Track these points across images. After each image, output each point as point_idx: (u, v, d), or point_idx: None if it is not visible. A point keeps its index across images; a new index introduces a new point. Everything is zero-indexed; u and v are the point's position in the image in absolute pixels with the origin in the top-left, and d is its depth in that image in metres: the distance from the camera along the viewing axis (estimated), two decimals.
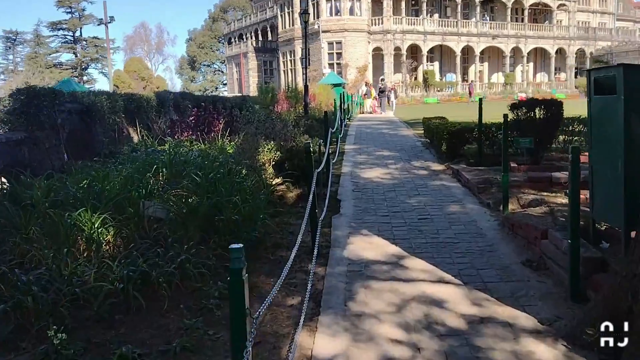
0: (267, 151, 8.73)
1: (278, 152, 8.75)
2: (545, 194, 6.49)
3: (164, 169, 7.16)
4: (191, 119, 12.98)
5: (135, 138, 12.51)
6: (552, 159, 8.22)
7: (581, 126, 8.67)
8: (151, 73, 44.69)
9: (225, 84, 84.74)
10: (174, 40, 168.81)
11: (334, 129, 11.57)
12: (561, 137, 8.87)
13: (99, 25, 55.51)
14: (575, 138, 8.81)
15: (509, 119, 7.42)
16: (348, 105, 24.07)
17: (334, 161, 9.97)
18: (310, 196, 4.73)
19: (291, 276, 4.62)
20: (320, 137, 11.50)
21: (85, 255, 4.77)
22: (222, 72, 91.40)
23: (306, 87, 19.52)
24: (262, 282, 4.59)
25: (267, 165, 8.72)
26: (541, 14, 59.01)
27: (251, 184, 7.11)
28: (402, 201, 7.06)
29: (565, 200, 6.10)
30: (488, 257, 4.85)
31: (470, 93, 45.28)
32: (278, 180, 8.43)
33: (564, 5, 57.93)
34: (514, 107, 7.87)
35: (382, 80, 33.89)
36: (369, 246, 5.30)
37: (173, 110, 15.20)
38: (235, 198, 5.93)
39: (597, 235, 4.39)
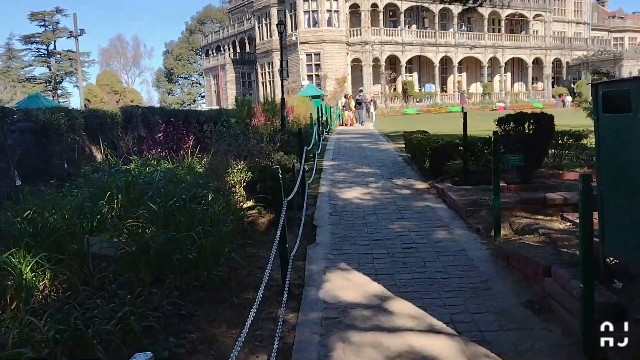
0: (237, 172, 8.06)
1: (249, 173, 8.08)
2: (539, 217, 5.94)
3: (120, 195, 6.43)
4: (159, 135, 12.25)
5: (99, 157, 11.74)
6: (542, 176, 7.71)
7: (572, 140, 8.20)
8: (124, 87, 43.63)
9: (203, 97, 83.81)
10: (151, 52, 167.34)
11: (311, 145, 10.96)
12: (550, 151, 8.38)
13: (69, 38, 54.29)
14: (566, 152, 8.33)
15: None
16: (327, 118, 23.54)
17: (310, 180, 9.34)
18: (278, 232, 4.08)
19: (257, 326, 3.95)
20: (296, 152, 10.89)
21: (13, 307, 4.05)
22: (200, 84, 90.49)
23: (283, 100, 18.90)
24: (222, 335, 3.90)
25: (237, 187, 8.06)
26: (518, 25, 59.61)
27: (218, 210, 6.43)
28: (384, 226, 6.44)
29: (562, 226, 5.55)
30: (483, 297, 4.24)
31: (461, 104, 45.20)
32: (249, 204, 7.76)
33: (539, 15, 58.65)
34: (501, 121, 7.36)
35: (361, 91, 33.47)
36: (347, 284, 4.66)
37: (142, 126, 14.44)
38: (198, 229, 5.26)
39: (608, 272, 3.82)
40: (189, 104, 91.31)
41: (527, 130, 7.00)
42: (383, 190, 8.59)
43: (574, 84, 59.75)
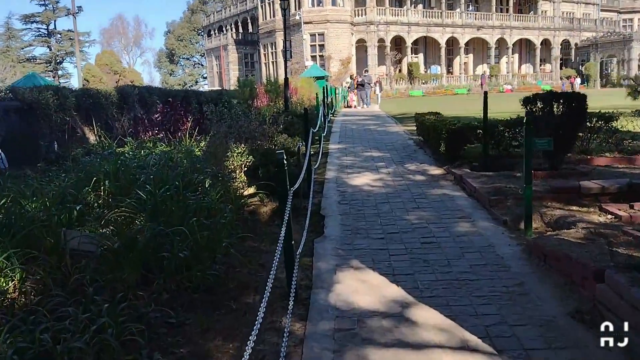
0: (237, 155, 7.43)
1: (250, 157, 7.46)
2: (574, 208, 5.33)
3: (107, 182, 5.83)
4: (156, 116, 11.62)
5: (92, 139, 11.13)
6: (569, 161, 7.07)
7: (601, 122, 7.53)
8: (124, 67, 42.83)
9: (205, 78, 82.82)
10: (152, 33, 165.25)
11: (317, 127, 10.31)
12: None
13: (66, 16, 53.26)
14: (595, 135, 7.66)
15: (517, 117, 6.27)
16: (332, 99, 22.81)
17: (316, 165, 8.73)
18: (283, 229, 3.47)
19: (258, 339, 3.36)
20: (301, 135, 10.25)
21: None
22: (202, 65, 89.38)
23: (286, 80, 18.17)
24: (217, 349, 3.33)
25: (238, 172, 7.44)
26: (526, 4, 58.29)
27: (215, 198, 5.84)
28: (399, 217, 5.83)
29: (602, 219, 4.94)
30: (522, 304, 3.64)
31: (482, 85, 42.73)
32: (250, 191, 7.16)
33: None
34: (527, 101, 6.69)
35: (366, 72, 32.55)
36: (362, 287, 4.07)
37: (139, 106, 13.79)
38: (192, 221, 4.66)
39: None
40: (191, 85, 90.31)
41: (556, 112, 6.33)
42: (395, 176, 7.96)
43: (582, 66, 58.61)
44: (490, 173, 7.00)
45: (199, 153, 9.10)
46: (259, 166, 7.52)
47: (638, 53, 54.03)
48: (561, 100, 6.23)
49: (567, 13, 60.23)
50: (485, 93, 7.32)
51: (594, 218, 4.93)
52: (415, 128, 12.84)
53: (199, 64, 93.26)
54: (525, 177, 4.91)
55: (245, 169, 7.51)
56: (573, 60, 60.06)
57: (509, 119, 7.92)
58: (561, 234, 4.46)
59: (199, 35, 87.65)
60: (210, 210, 5.47)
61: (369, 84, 28.07)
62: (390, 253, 4.76)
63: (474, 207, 6.05)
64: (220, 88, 57.17)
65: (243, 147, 7.56)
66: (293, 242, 4.00)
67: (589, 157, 7.41)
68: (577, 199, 5.49)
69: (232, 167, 7.32)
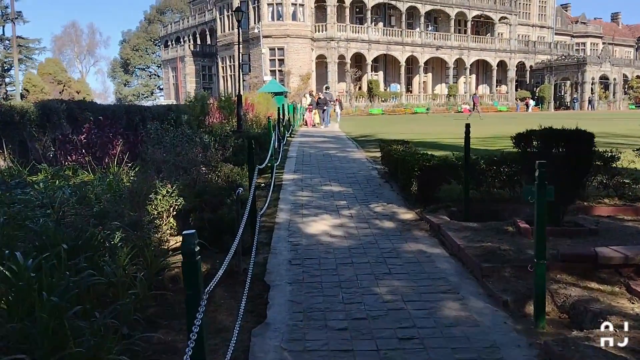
0: (164, 196, 5.95)
1: (181, 200, 5.98)
2: (593, 285, 4.12)
3: None
4: (82, 137, 9.95)
5: (2, 164, 9.37)
6: (576, 208, 5.94)
7: (600, 162, 6.43)
8: (70, 76, 40.21)
9: (162, 89, 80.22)
10: (107, 41, 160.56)
11: (269, 156, 8.92)
12: None
13: (5, 19, 49.95)
14: (592, 179, 6.52)
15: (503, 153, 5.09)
16: (289, 118, 21.50)
17: (266, 203, 7.32)
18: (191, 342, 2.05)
19: None
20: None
21: None
22: (159, 76, 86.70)
23: (240, 97, 16.71)
24: None
25: (165, 216, 5.95)
26: (483, 26, 59.12)
27: (124, 264, 4.36)
28: (366, 289, 4.49)
29: (637, 307, 3.73)
30: None
31: (474, 105, 35.26)
32: (178, 242, 5.71)
33: (505, 18, 58.29)
34: (520, 139, 5.53)
35: (327, 89, 31.42)
36: None
37: (67, 124, 12.04)
38: (70, 313, 3.18)
39: None
40: (146, 96, 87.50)
41: (557, 154, 5.18)
42: (359, 221, 6.65)
43: (537, 88, 59.71)
44: (474, 224, 5.78)
45: (128, 184, 7.58)
46: (192, 210, 6.06)
47: (591, 77, 55.41)
48: (564, 142, 5.08)
49: (522, 36, 61.50)
50: (467, 126, 6.09)
51: (625, 306, 3.73)
52: (378, 154, 11.68)
53: (155, 74, 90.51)
54: (536, 249, 3.67)
55: (174, 213, 6.03)
56: (528, 82, 61.20)
57: (491, 154, 6.78)
58: (592, 338, 3.21)
59: (155, 45, 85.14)
60: (111, 286, 3.99)
61: (331, 101, 26.91)
62: (356, 356, 3.40)
63: (461, 274, 4.77)
64: (176, 101, 55.09)
65: (171, 187, 6.06)
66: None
67: (585, 204, 6.32)
68: (593, 269, 4.31)
69: (158, 210, 5.82)
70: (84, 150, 9.86)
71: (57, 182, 7.98)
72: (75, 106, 12.48)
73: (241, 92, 17.69)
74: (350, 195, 8.18)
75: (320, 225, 6.50)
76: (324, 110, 25.69)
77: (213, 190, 6.75)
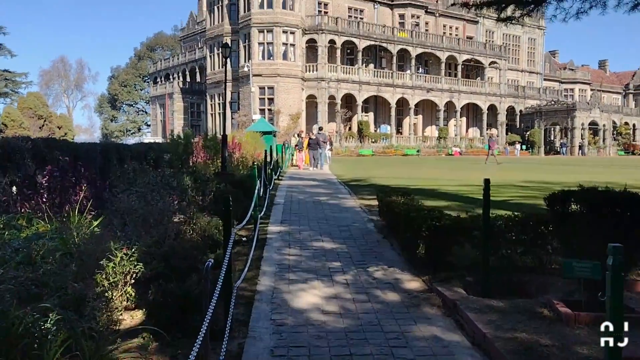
0: (121, 261, 4.85)
1: (139, 265, 4.88)
2: None
3: None
4: (44, 180, 8.86)
5: None
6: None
7: None
8: (51, 111, 39.20)
9: (149, 125, 79.43)
10: (96, 77, 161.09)
11: (252, 205, 7.88)
12: None
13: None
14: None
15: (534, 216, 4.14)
16: (277, 159, 20.57)
17: (246, 268, 6.22)
18: None
19: None
20: (233, 215, 7.78)
21: None
22: (146, 112, 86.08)
23: (225, 137, 15.78)
24: None
25: (120, 287, 4.83)
26: (473, 70, 59.64)
27: (54, 358, 3.25)
28: None
29: None
30: None
31: (490, 149, 33.50)
32: (134, 319, 4.60)
33: (495, 62, 58.93)
34: (554, 200, 4.58)
35: (321, 129, 30.53)
36: None
37: (33, 164, 10.92)
38: None
39: None
40: (133, 133, 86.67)
41: (603, 219, 4.21)
42: (356, 291, 5.58)
43: (526, 132, 59.87)
44: (498, 303, 4.74)
45: (93, 232, 6.50)
46: (154, 278, 4.95)
47: (581, 122, 55.71)
48: (616, 207, 4.12)
49: (512, 80, 62.12)
50: (487, 182, 5.13)
51: None
52: (373, 203, 10.72)
53: (142, 110, 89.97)
54: None
55: (133, 281, 4.92)
56: (518, 127, 61.42)
57: (512, 214, 5.81)
58: None
59: (144, 81, 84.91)
60: None
61: (324, 142, 25.86)
62: None
63: None
64: (162, 138, 54.13)
65: (131, 250, 4.97)
66: None
67: (626, 278, 5.33)
68: None
69: (110, 281, 4.71)
70: (45, 195, 8.78)
71: (7, 233, 6.89)
72: (43, 144, 11.40)
73: (227, 132, 16.78)
74: (345, 254, 7.11)
75: (310, 297, 5.41)
76: (317, 151, 24.69)
77: (184, 251, 5.66)
